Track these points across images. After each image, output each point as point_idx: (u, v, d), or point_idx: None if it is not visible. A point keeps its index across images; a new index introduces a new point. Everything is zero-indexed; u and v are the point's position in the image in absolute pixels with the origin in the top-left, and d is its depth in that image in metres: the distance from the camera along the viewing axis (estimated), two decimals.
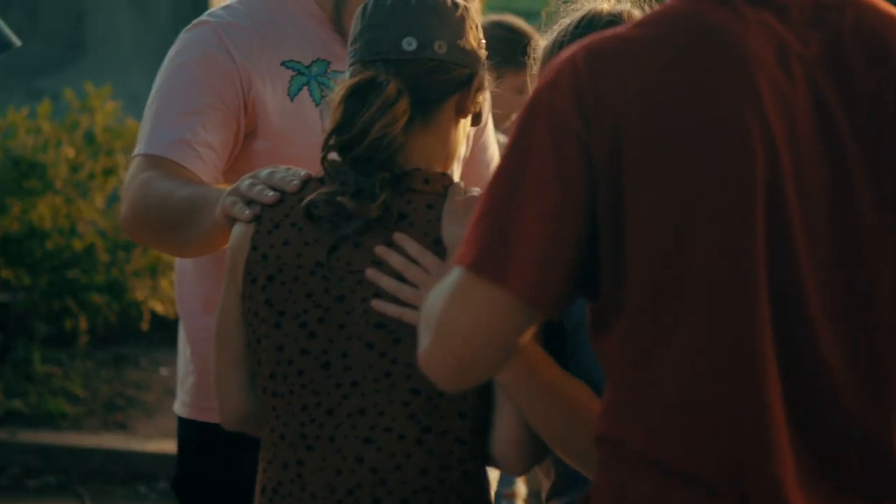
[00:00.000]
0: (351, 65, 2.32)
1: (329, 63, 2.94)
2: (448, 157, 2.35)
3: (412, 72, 2.26)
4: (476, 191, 2.27)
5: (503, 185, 1.78)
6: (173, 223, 2.65)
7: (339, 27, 2.93)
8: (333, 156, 2.27)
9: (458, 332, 1.77)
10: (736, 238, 1.73)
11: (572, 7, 2.48)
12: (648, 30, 1.79)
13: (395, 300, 2.19)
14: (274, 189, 2.32)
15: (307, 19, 2.95)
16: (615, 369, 1.80)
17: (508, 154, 1.78)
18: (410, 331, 2.18)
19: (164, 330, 6.95)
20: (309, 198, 2.25)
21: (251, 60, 2.86)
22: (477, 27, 2.35)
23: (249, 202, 2.34)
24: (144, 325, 7.02)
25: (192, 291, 3.01)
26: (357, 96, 2.24)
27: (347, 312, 2.22)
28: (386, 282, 2.20)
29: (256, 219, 2.31)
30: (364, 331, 2.22)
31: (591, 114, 1.75)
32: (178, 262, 3.06)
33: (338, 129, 2.24)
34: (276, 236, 2.27)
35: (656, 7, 1.90)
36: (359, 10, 2.35)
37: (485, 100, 2.41)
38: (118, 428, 6.59)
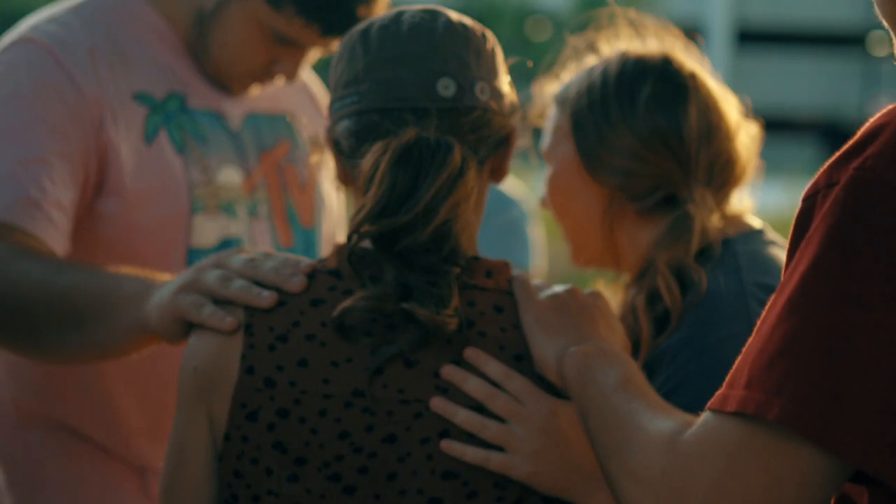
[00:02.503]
0: (352, 114, 1.71)
1: (184, 98, 2.28)
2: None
3: (453, 125, 1.69)
4: (539, 281, 1.73)
5: (828, 305, 1.25)
6: (58, 323, 1.94)
7: (199, 51, 2.28)
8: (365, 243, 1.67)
9: None
10: None
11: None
12: None
13: (472, 440, 1.62)
14: (263, 286, 1.69)
15: (153, 40, 2.28)
16: None
17: (826, 261, 1.26)
18: (492, 481, 1.62)
19: None
20: (344, 304, 1.63)
21: (101, 91, 2.17)
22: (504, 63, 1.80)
23: (221, 303, 1.70)
24: None
25: None
26: (408, 163, 1.64)
27: (400, 458, 1.63)
28: (463, 416, 1.62)
29: (246, 329, 1.67)
30: (426, 483, 1.63)
31: None
32: None
33: (385, 210, 1.63)
34: (283, 354, 1.65)
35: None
36: (352, 36, 1.74)
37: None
38: None
